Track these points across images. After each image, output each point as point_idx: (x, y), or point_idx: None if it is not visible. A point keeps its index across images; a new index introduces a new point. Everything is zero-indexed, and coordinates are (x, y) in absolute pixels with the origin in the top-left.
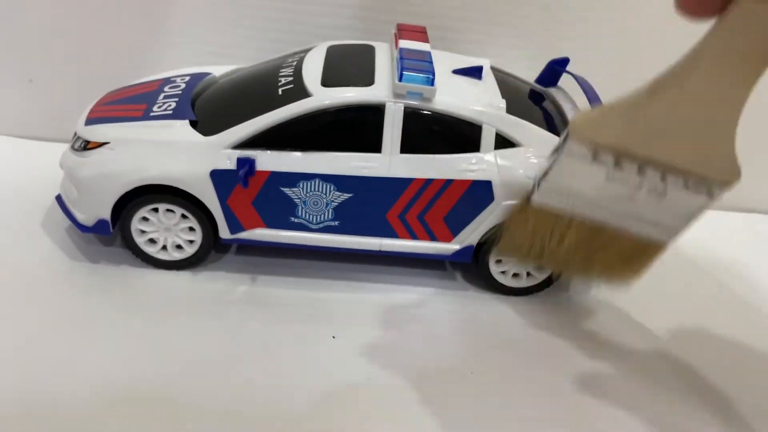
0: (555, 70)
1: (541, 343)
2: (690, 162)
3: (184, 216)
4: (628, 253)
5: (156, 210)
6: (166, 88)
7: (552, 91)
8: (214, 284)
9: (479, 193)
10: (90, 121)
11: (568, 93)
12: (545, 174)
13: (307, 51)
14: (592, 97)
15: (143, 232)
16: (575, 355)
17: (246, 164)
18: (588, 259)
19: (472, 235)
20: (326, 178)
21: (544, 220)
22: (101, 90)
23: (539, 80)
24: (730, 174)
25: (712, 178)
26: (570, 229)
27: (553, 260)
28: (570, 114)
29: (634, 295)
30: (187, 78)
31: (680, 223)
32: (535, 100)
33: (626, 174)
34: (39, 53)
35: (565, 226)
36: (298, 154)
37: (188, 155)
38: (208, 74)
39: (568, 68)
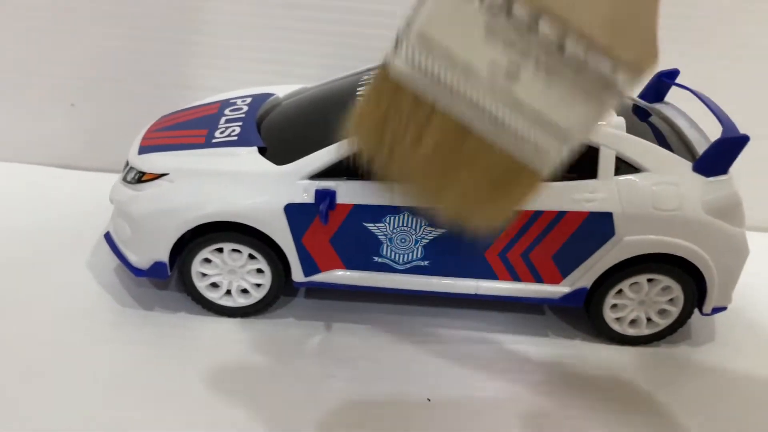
0: (662, 83)
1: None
2: (598, 27)
3: (251, 256)
4: (497, 174)
5: (220, 250)
6: (226, 111)
7: (659, 107)
8: (285, 334)
9: (597, 226)
10: (144, 149)
11: (680, 108)
12: (408, 22)
13: None
14: (717, 112)
15: (204, 275)
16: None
17: (327, 197)
18: (447, 176)
19: (585, 275)
20: (416, 211)
21: (400, 103)
22: (149, 116)
23: (643, 95)
24: (645, 56)
25: (619, 54)
26: (430, 124)
27: (402, 167)
28: (688, 132)
29: None
30: (249, 99)
31: (566, 129)
32: (644, 117)
33: (513, 27)
34: (81, 77)
35: (424, 119)
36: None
37: (259, 187)
38: (271, 95)
39: (677, 80)
